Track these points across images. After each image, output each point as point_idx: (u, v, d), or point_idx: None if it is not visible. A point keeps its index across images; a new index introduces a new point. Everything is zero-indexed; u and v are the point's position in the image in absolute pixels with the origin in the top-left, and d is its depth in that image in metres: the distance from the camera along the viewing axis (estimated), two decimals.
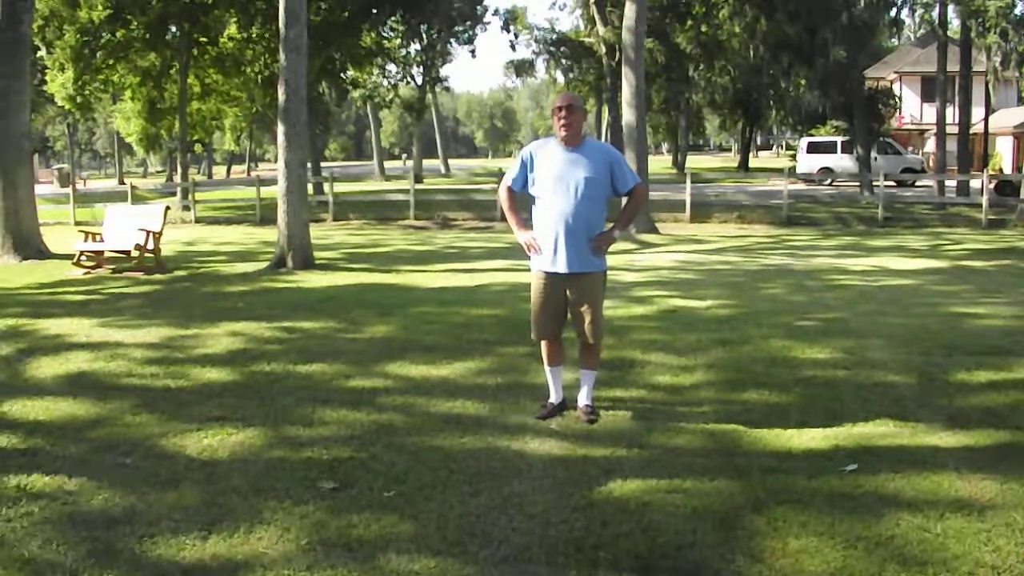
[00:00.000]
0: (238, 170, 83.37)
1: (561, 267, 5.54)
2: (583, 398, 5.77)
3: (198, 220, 27.25)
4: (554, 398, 5.87)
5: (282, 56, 14.90)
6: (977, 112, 34.75)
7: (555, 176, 5.49)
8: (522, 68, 57.05)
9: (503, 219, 24.12)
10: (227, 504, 4.41)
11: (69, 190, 29.82)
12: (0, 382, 7.03)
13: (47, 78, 33.55)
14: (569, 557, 3.77)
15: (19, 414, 6.07)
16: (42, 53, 31.76)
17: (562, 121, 5.47)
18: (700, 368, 7.01)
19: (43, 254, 16.99)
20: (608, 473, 4.69)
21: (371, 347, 8.06)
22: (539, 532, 4.01)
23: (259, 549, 3.90)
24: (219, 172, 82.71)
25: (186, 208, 28.46)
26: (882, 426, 5.46)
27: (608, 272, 5.78)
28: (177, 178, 39.62)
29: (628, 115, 21.77)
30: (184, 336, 8.71)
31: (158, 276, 13.96)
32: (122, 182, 54.83)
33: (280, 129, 14.99)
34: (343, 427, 5.64)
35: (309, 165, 35.96)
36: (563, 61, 52.88)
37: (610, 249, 5.72)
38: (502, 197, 5.80)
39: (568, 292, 5.59)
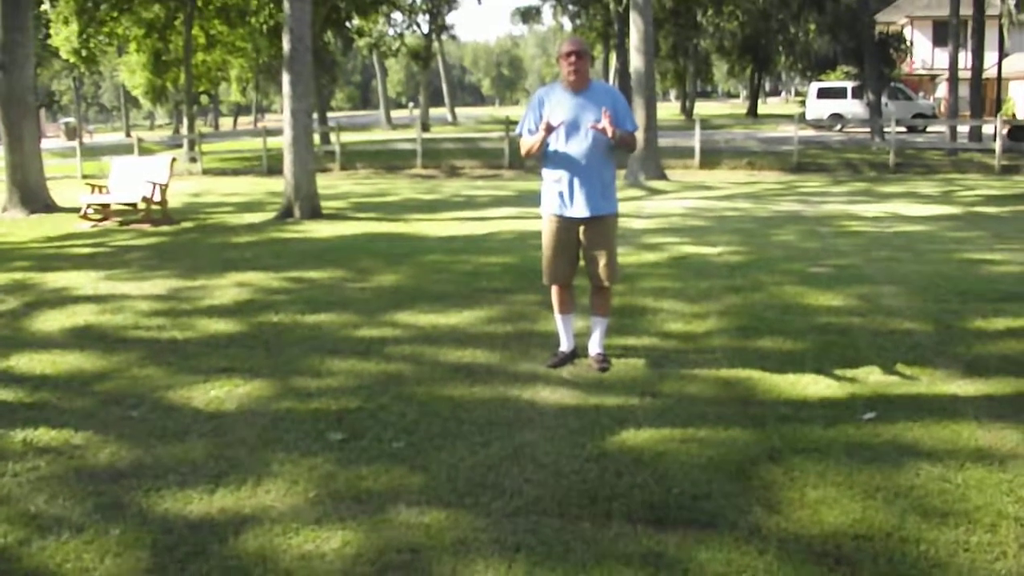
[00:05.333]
0: (245, 121, 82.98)
1: (575, 211, 5.45)
2: (595, 346, 5.69)
3: (205, 171, 27.07)
4: (565, 346, 5.78)
5: (286, 4, 14.65)
6: (990, 57, 34.16)
7: (565, 121, 5.38)
8: (529, 15, 56.53)
9: (511, 167, 24.07)
10: (234, 457, 4.35)
11: (76, 144, 29.64)
12: (6, 336, 6.98)
13: (51, 32, 33.18)
14: (583, 508, 3.69)
15: (26, 368, 6.03)
16: (46, 6, 31.40)
17: (571, 67, 5.36)
18: (712, 315, 6.91)
19: (50, 208, 16.94)
20: (621, 422, 4.61)
21: (379, 296, 7.98)
22: (552, 483, 3.93)
23: (267, 502, 3.84)
24: (226, 123, 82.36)
25: (193, 160, 28.27)
26: (899, 374, 5.36)
27: (618, 216, 5.68)
28: (183, 130, 39.37)
29: (636, 61, 21.44)
30: (191, 287, 8.64)
31: (165, 228, 13.91)
32: (129, 135, 54.60)
33: (285, 78, 14.78)
34: (351, 377, 5.57)
35: (315, 115, 35.91)
36: (570, 7, 52.27)
37: (619, 196, 5.67)
38: (523, 144, 5.64)
39: (581, 236, 5.50)
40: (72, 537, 3.57)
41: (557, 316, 5.81)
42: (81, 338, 6.80)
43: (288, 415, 4.91)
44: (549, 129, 5.33)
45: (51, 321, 7.39)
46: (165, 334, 6.85)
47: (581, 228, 5.48)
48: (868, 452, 4.16)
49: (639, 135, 20.36)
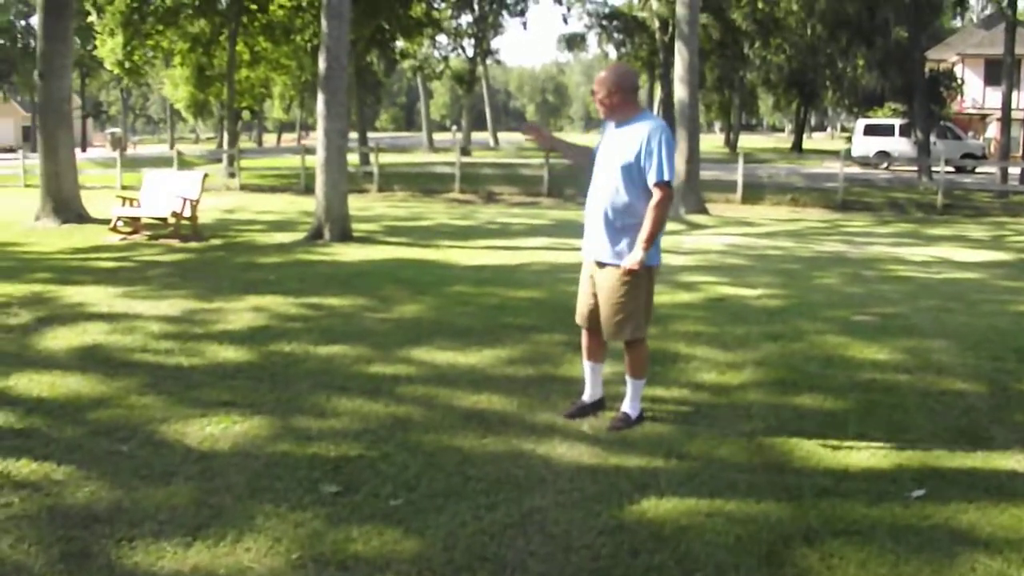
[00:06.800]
0: (289, 138, 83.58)
1: (587, 251, 5.08)
2: (623, 404, 5.22)
3: (243, 187, 27.01)
4: (587, 396, 5.35)
5: (324, 23, 14.46)
6: None
7: (601, 155, 5.03)
8: (574, 42, 56.42)
9: (551, 195, 23.74)
10: (219, 505, 4.00)
11: (116, 154, 29.76)
12: (12, 353, 6.75)
13: (98, 43, 33.45)
14: None
15: (23, 389, 5.76)
16: (92, 18, 31.68)
17: (596, 103, 5.00)
18: (749, 365, 6.47)
19: (82, 218, 16.87)
20: (642, 488, 4.18)
21: (398, 329, 7.63)
22: (559, 558, 3.53)
23: (245, 562, 3.48)
24: (270, 140, 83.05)
25: (231, 175, 28.25)
26: (951, 443, 4.89)
27: (635, 272, 4.90)
28: (226, 145, 39.54)
29: (680, 91, 21.08)
30: (206, 309, 8.36)
31: (193, 244, 13.72)
32: (173, 147, 55.11)
33: (320, 97, 14.57)
34: (356, 420, 5.20)
35: (356, 135, 35.90)
36: (615, 35, 52.06)
37: None
38: None
39: (595, 280, 5.09)
40: None
41: (584, 362, 5.41)
42: (85, 359, 6.53)
43: (283, 460, 4.55)
44: (532, 131, 5.29)
45: (59, 339, 7.14)
46: (172, 359, 6.55)
47: (595, 272, 5.08)
48: (916, 537, 3.70)
49: (680, 167, 20.11)
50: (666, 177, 4.77)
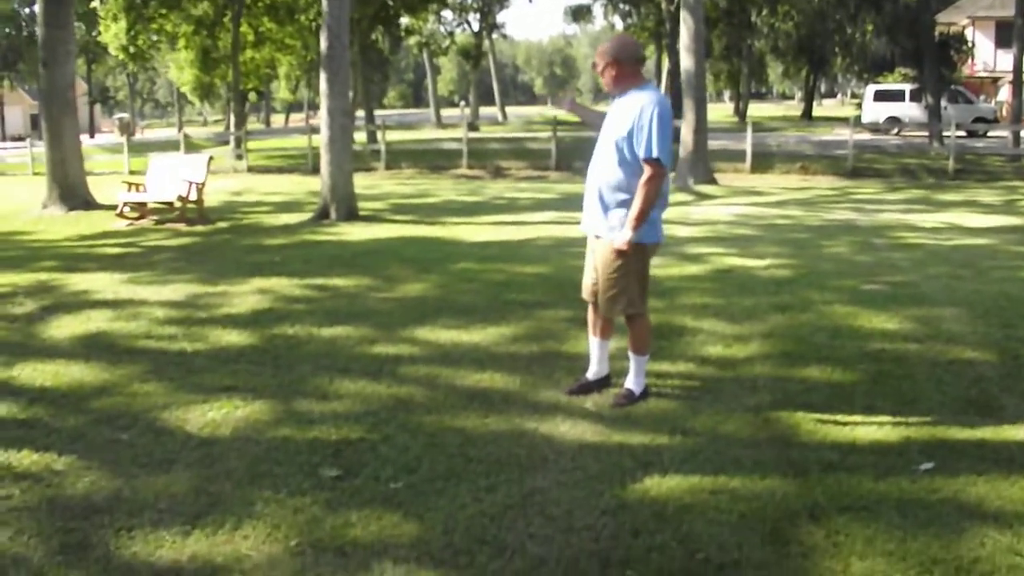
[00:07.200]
0: (297, 118, 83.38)
1: (586, 226, 5.01)
2: (627, 380, 5.15)
3: (250, 169, 26.97)
4: (591, 372, 5.28)
5: (324, 2, 14.34)
6: None
7: (603, 128, 4.94)
8: (580, 13, 56.08)
9: (559, 169, 23.59)
10: (218, 492, 3.96)
11: (124, 139, 29.73)
12: (17, 342, 6.74)
13: (102, 28, 33.34)
14: (591, 574, 3.24)
15: (27, 379, 5.75)
16: (96, 3, 31.58)
17: (600, 76, 4.90)
18: (756, 338, 6.39)
19: (89, 204, 16.85)
20: (645, 466, 4.12)
21: (402, 308, 7.59)
22: (560, 540, 3.47)
23: (242, 550, 3.45)
24: (278, 120, 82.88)
25: (239, 157, 28.19)
26: (961, 414, 4.81)
27: (628, 250, 4.76)
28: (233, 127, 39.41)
29: (686, 61, 20.86)
30: (210, 293, 8.34)
31: (199, 227, 13.70)
32: (181, 131, 55.08)
33: (323, 76, 14.47)
34: (358, 402, 5.16)
35: (362, 113, 35.74)
36: (621, 6, 51.69)
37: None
38: None
39: (594, 253, 5.02)
40: None
41: (589, 337, 5.33)
42: (89, 347, 6.51)
43: (284, 444, 4.51)
44: (557, 101, 5.24)
45: (64, 327, 7.13)
46: (175, 345, 6.52)
47: (594, 243, 5.01)
48: (924, 512, 3.64)
49: (687, 137, 19.94)
50: (655, 153, 4.62)
